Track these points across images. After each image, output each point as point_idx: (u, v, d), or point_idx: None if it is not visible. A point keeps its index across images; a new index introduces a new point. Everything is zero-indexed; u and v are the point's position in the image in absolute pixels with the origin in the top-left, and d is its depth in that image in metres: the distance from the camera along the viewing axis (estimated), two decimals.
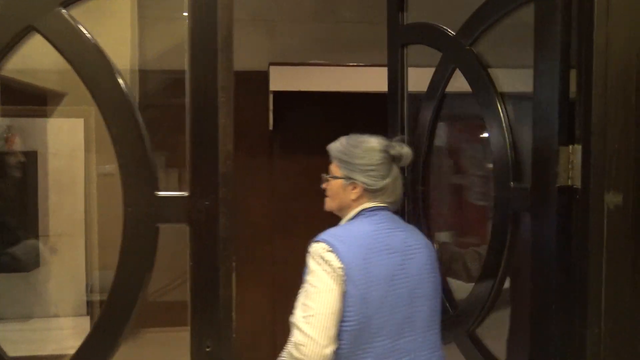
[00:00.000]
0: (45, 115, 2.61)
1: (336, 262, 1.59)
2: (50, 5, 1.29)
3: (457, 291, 2.19)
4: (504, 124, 1.78)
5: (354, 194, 1.78)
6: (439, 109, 2.30)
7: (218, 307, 1.36)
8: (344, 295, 1.58)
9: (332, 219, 1.90)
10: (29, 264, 2.67)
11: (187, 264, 1.37)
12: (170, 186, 1.41)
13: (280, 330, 2.83)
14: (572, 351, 1.46)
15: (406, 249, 1.73)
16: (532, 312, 1.56)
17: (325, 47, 3.30)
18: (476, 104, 1.92)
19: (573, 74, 1.45)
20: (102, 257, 2.63)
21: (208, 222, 1.34)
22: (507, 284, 1.90)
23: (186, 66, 1.34)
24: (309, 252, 1.66)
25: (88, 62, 1.31)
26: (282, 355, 1.64)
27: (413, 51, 2.37)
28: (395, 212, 1.87)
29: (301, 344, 1.54)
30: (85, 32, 1.32)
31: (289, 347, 1.59)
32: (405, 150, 1.81)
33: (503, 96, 1.85)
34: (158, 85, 2.69)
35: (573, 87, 1.45)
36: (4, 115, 2.55)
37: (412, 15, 2.42)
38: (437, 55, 2.19)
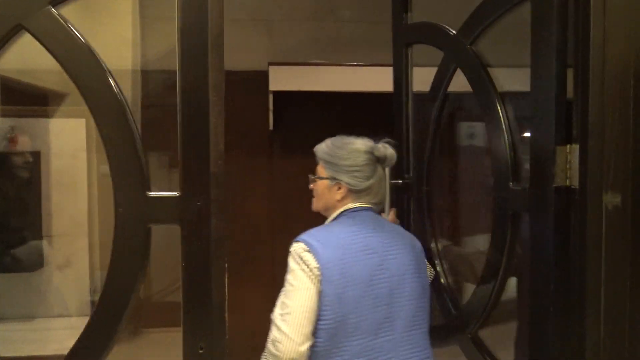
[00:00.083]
0: (47, 115, 2.62)
1: (313, 262, 1.63)
2: (40, 4, 1.29)
3: (468, 293, 2.17)
4: (503, 124, 1.76)
5: (339, 194, 1.80)
6: (441, 109, 2.29)
7: (211, 308, 1.35)
8: (321, 295, 1.61)
9: None
10: (33, 264, 2.68)
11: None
12: (173, 186, 1.39)
13: None
14: (571, 354, 1.44)
15: (386, 249, 1.74)
16: (530, 315, 1.54)
17: (325, 46, 3.29)
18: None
19: (571, 73, 1.43)
20: (104, 257, 2.63)
21: (200, 223, 1.34)
22: (511, 286, 1.89)
23: (177, 65, 1.33)
24: (289, 252, 1.69)
25: (78, 61, 1.31)
26: (264, 352, 1.67)
27: (422, 51, 2.36)
28: (381, 212, 1.89)
29: (277, 341, 1.59)
30: (75, 31, 1.31)
31: (268, 344, 1.63)
32: (389, 152, 1.82)
33: (503, 96, 1.83)
34: (160, 85, 2.69)
35: (571, 87, 1.43)
36: (6, 116, 2.56)
37: (419, 15, 2.41)
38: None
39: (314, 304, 1.61)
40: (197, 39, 1.32)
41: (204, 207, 1.33)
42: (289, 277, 1.65)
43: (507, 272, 1.79)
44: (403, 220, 2.41)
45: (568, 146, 1.42)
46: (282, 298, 1.65)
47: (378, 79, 3.04)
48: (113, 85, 1.33)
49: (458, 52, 2.06)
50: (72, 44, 1.31)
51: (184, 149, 1.33)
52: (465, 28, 2.01)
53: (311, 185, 1.90)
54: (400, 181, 2.44)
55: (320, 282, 1.61)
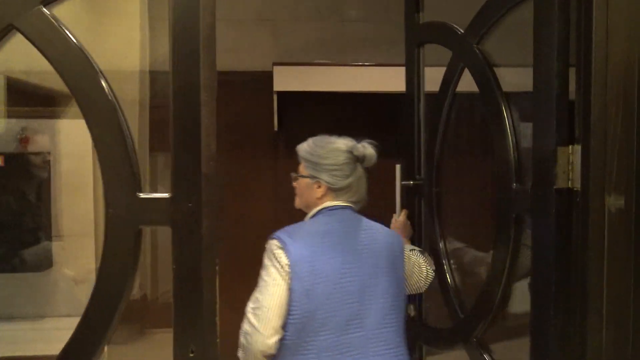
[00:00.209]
0: (55, 116, 2.63)
1: (284, 259, 1.68)
2: (31, 3, 1.28)
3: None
4: (507, 124, 1.72)
5: (318, 192, 1.84)
6: (450, 109, 2.26)
7: (202, 311, 1.33)
8: (290, 290, 1.66)
9: None
10: (42, 264, 2.69)
11: None
12: None
13: None
14: (572, 358, 1.40)
15: (361, 247, 1.77)
16: (531, 319, 1.50)
17: (330, 47, 3.27)
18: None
19: (574, 73, 1.39)
20: None
21: (191, 224, 1.32)
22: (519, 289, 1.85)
23: (169, 65, 1.31)
24: (265, 248, 1.75)
25: (69, 61, 1.30)
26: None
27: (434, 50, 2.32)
28: (360, 211, 1.91)
29: (247, 333, 1.67)
30: (66, 31, 1.30)
31: (240, 336, 1.70)
32: (368, 152, 1.84)
33: (508, 96, 1.79)
34: (168, 85, 2.69)
35: (574, 87, 1.39)
36: (16, 117, 2.58)
37: (433, 15, 2.38)
38: None
39: (283, 299, 1.66)
40: (189, 38, 1.30)
41: (196, 208, 1.32)
42: (262, 273, 1.72)
43: (511, 276, 1.75)
44: (414, 221, 2.39)
45: (570, 147, 1.39)
46: (255, 293, 1.71)
47: (383, 79, 3.01)
48: (104, 86, 1.32)
49: (465, 52, 2.03)
50: (63, 44, 1.30)
51: (175, 149, 1.32)
52: (472, 27, 1.98)
53: (294, 184, 1.95)
54: (411, 182, 2.42)
55: (290, 278, 1.66)
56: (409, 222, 2.36)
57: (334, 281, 1.69)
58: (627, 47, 1.30)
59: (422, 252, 2.16)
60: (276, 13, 3.28)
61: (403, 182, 2.41)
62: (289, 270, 1.67)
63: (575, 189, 1.37)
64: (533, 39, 1.47)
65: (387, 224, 2.33)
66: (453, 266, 2.28)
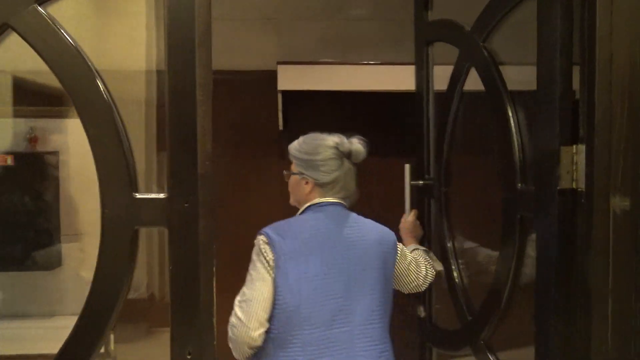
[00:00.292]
0: (63, 116, 2.64)
1: (269, 254, 1.71)
2: (25, 2, 1.27)
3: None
4: (512, 123, 1.69)
5: (307, 188, 1.87)
6: (457, 108, 2.23)
7: (199, 313, 1.32)
8: (275, 285, 1.69)
9: None
10: (51, 263, 2.71)
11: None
12: None
13: None
14: None
15: (348, 243, 1.78)
16: (534, 322, 1.47)
17: (335, 45, 3.25)
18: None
19: (578, 72, 1.35)
20: None
21: (187, 225, 1.31)
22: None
23: (165, 63, 1.30)
24: (254, 243, 1.78)
25: (64, 60, 1.29)
26: None
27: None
28: (351, 208, 1.92)
29: (233, 326, 1.70)
30: (62, 30, 1.30)
31: (228, 327, 1.72)
32: (354, 147, 1.85)
33: (515, 95, 1.76)
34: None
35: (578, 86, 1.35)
36: (24, 117, 2.60)
37: (443, 13, 2.35)
38: None
39: (269, 293, 1.69)
40: (184, 36, 1.29)
41: (192, 209, 1.31)
42: (250, 267, 1.75)
43: (517, 278, 1.72)
44: (423, 221, 2.36)
45: (574, 146, 1.35)
46: (243, 287, 1.74)
47: (388, 78, 2.98)
48: (100, 85, 1.31)
49: (472, 50, 1.99)
50: (58, 43, 1.29)
51: (171, 149, 1.31)
52: (478, 25, 1.95)
53: (287, 180, 1.98)
54: (420, 182, 2.39)
55: (275, 272, 1.69)
56: (418, 222, 2.34)
57: (319, 276, 1.71)
58: (632, 44, 1.26)
59: (426, 252, 2.14)
60: (280, 12, 3.26)
61: (412, 182, 2.38)
62: (274, 265, 1.70)
63: (579, 189, 1.34)
64: (537, 35, 1.44)
65: (396, 224, 2.32)
66: (462, 267, 2.25)
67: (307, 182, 1.86)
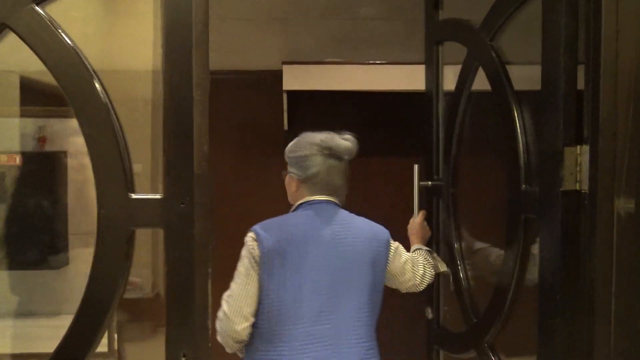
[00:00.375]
0: (70, 115, 2.64)
1: (256, 250, 1.74)
2: (23, 2, 1.27)
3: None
4: (517, 124, 1.66)
5: (294, 185, 1.91)
6: (465, 108, 2.20)
7: (194, 315, 1.31)
8: (261, 280, 1.72)
9: None
10: (58, 261, 2.72)
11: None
12: None
13: None
14: None
15: (336, 242, 1.79)
16: (537, 325, 1.44)
17: (342, 45, 3.22)
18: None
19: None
20: None
21: (183, 226, 1.30)
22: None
23: (161, 63, 1.29)
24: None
25: (61, 60, 1.29)
26: None
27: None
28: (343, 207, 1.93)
29: (219, 319, 1.74)
30: (59, 30, 1.29)
31: (216, 320, 1.76)
32: (334, 142, 1.84)
33: (521, 95, 1.72)
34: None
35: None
36: (31, 117, 2.60)
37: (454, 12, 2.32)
38: None
39: (254, 288, 1.73)
40: (181, 35, 1.28)
41: (188, 209, 1.29)
42: (238, 263, 1.78)
43: (521, 280, 1.69)
44: (432, 222, 2.34)
45: (578, 147, 1.32)
46: (231, 282, 1.78)
47: (396, 78, 2.95)
48: (97, 86, 1.31)
49: (479, 49, 1.96)
50: (56, 43, 1.29)
51: (167, 149, 1.30)
52: (485, 24, 1.92)
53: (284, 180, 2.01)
54: (429, 183, 2.37)
55: (261, 268, 1.72)
56: (426, 224, 2.31)
57: (305, 273, 1.73)
58: (638, 43, 1.23)
59: (430, 252, 2.12)
60: (287, 11, 3.23)
61: (421, 183, 2.35)
62: (259, 261, 1.73)
63: (583, 191, 1.31)
64: (541, 34, 1.41)
65: (403, 224, 2.29)
66: (469, 268, 2.22)
67: (292, 180, 1.90)
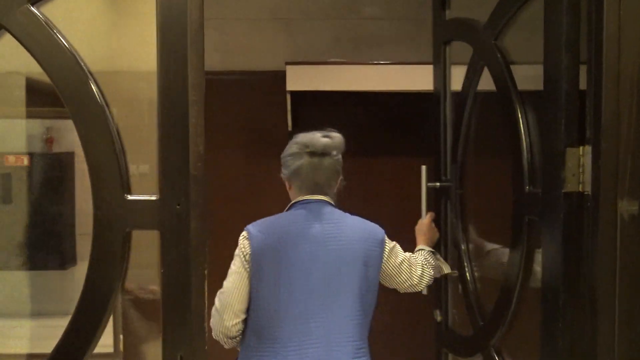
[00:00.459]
0: None
1: (247, 249, 1.77)
2: (18, 2, 1.27)
3: None
4: (521, 124, 1.63)
5: (287, 186, 1.94)
6: (471, 108, 2.17)
7: (191, 316, 1.30)
8: (251, 278, 1.75)
9: None
10: (66, 262, 2.72)
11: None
12: None
13: None
14: None
15: (328, 241, 1.79)
16: (540, 329, 1.41)
17: (346, 45, 3.22)
18: None
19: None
20: (134, 256, 2.65)
21: (179, 227, 1.29)
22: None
23: (156, 63, 1.29)
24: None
25: (56, 61, 1.29)
26: None
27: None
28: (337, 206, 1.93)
29: (211, 315, 1.77)
30: (55, 31, 1.29)
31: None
32: (312, 140, 1.84)
33: (526, 95, 1.70)
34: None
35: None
36: (39, 118, 2.61)
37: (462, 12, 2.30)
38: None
39: (245, 286, 1.76)
40: (176, 35, 1.27)
41: (184, 210, 1.29)
42: (232, 262, 1.81)
43: (525, 282, 1.66)
44: (439, 223, 2.31)
45: (581, 148, 1.29)
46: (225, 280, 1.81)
47: (400, 78, 2.92)
48: (93, 86, 1.30)
49: (484, 48, 1.94)
50: (51, 43, 1.28)
51: (162, 150, 1.29)
52: (490, 23, 1.89)
53: None
54: (437, 184, 2.34)
55: (252, 266, 1.75)
56: (433, 225, 2.29)
57: (296, 271, 1.74)
58: None
59: (433, 254, 2.09)
60: (291, 11, 3.23)
61: (429, 184, 2.33)
62: (250, 259, 1.75)
63: (585, 192, 1.28)
64: (543, 33, 1.38)
65: (409, 225, 2.27)
66: (476, 271, 2.19)
67: (284, 179, 1.93)
